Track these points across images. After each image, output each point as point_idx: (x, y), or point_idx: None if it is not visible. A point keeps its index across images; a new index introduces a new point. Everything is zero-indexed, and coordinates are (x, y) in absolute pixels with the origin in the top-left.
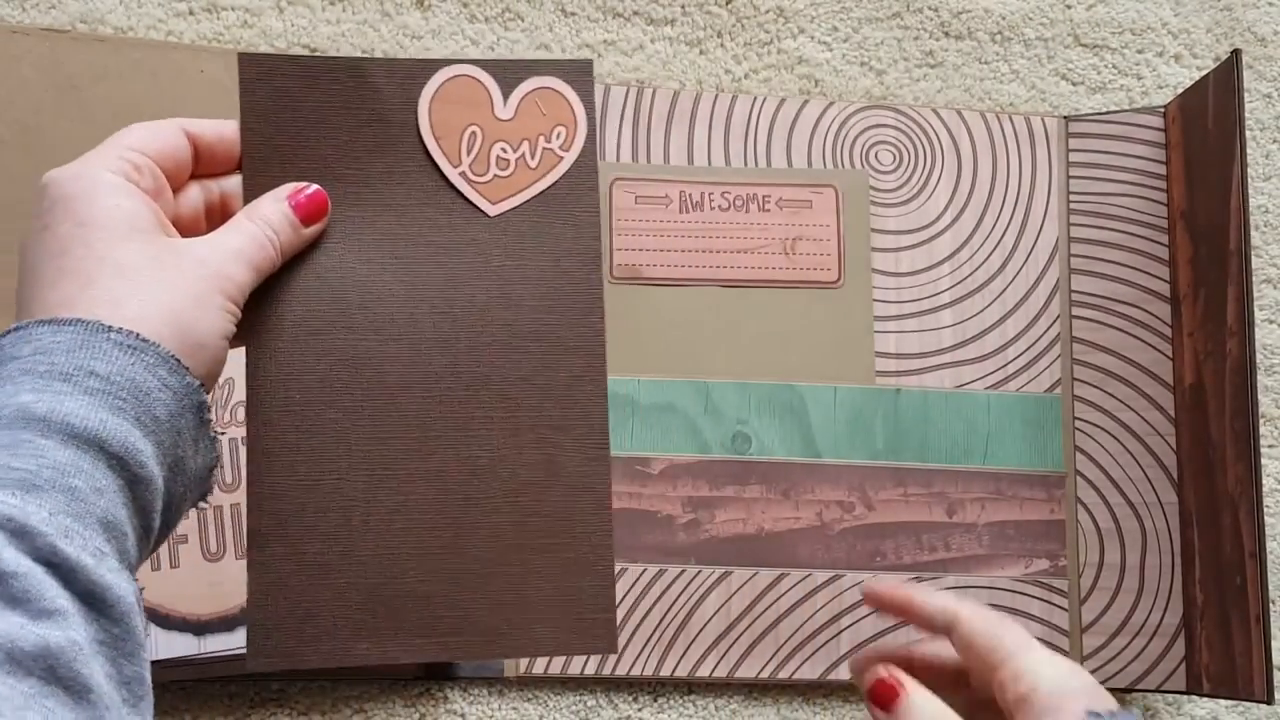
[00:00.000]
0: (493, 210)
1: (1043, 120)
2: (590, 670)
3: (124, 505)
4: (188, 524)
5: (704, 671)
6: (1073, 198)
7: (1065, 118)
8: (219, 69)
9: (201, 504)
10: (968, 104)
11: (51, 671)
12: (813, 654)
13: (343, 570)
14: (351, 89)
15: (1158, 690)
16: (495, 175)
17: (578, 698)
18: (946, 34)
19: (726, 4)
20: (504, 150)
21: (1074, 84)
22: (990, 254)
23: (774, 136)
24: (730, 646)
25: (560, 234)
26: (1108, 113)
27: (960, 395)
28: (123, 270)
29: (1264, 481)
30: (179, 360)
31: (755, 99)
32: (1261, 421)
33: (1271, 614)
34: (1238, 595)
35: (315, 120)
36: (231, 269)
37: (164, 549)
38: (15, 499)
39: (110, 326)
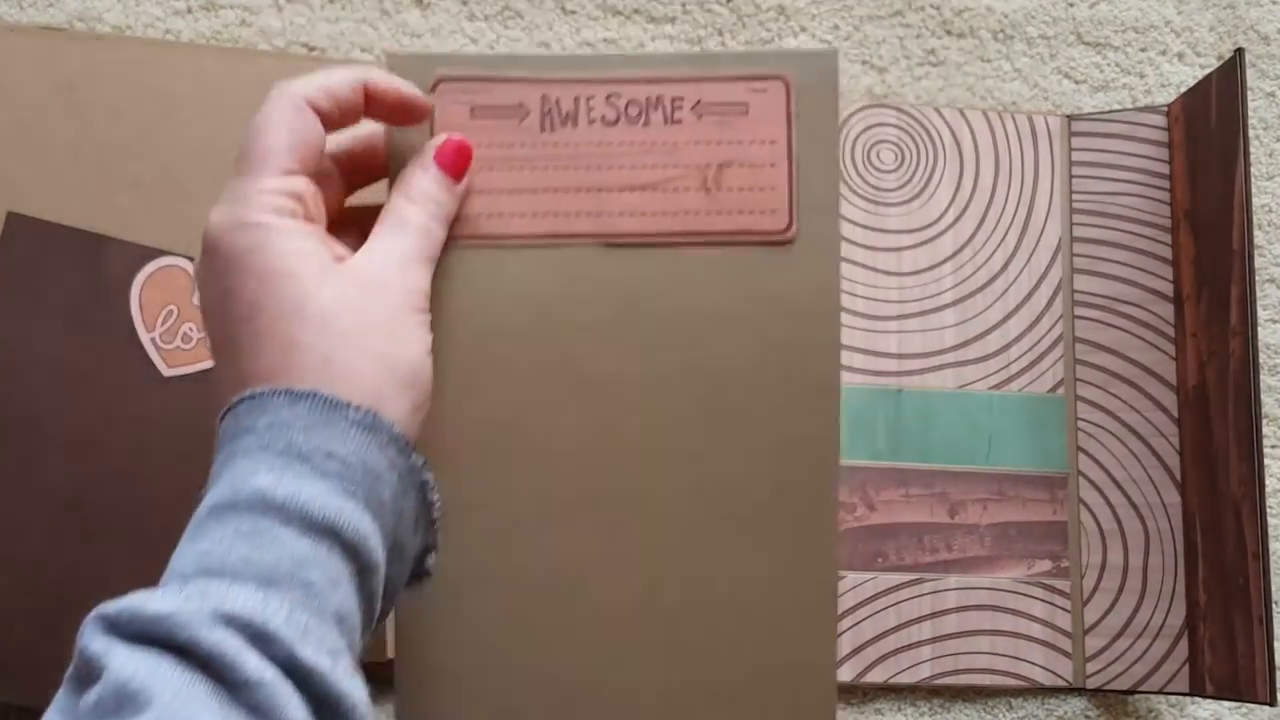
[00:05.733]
0: (166, 372)
1: (1045, 119)
2: None
3: (354, 594)
4: None
5: None
6: (1075, 197)
7: (1068, 116)
8: (217, 68)
9: (417, 588)
10: (970, 103)
11: None
12: None
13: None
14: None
15: (1161, 692)
16: (179, 347)
17: None
18: (948, 32)
19: (727, 2)
20: (190, 330)
21: (1076, 82)
22: (993, 253)
23: None
24: None
25: None
26: (1110, 111)
27: (962, 395)
28: (318, 323)
29: (1267, 482)
30: (407, 440)
31: None
32: (1265, 422)
33: (1275, 615)
34: (1241, 596)
35: None
36: (413, 279)
37: None
38: (256, 597)
39: (348, 403)
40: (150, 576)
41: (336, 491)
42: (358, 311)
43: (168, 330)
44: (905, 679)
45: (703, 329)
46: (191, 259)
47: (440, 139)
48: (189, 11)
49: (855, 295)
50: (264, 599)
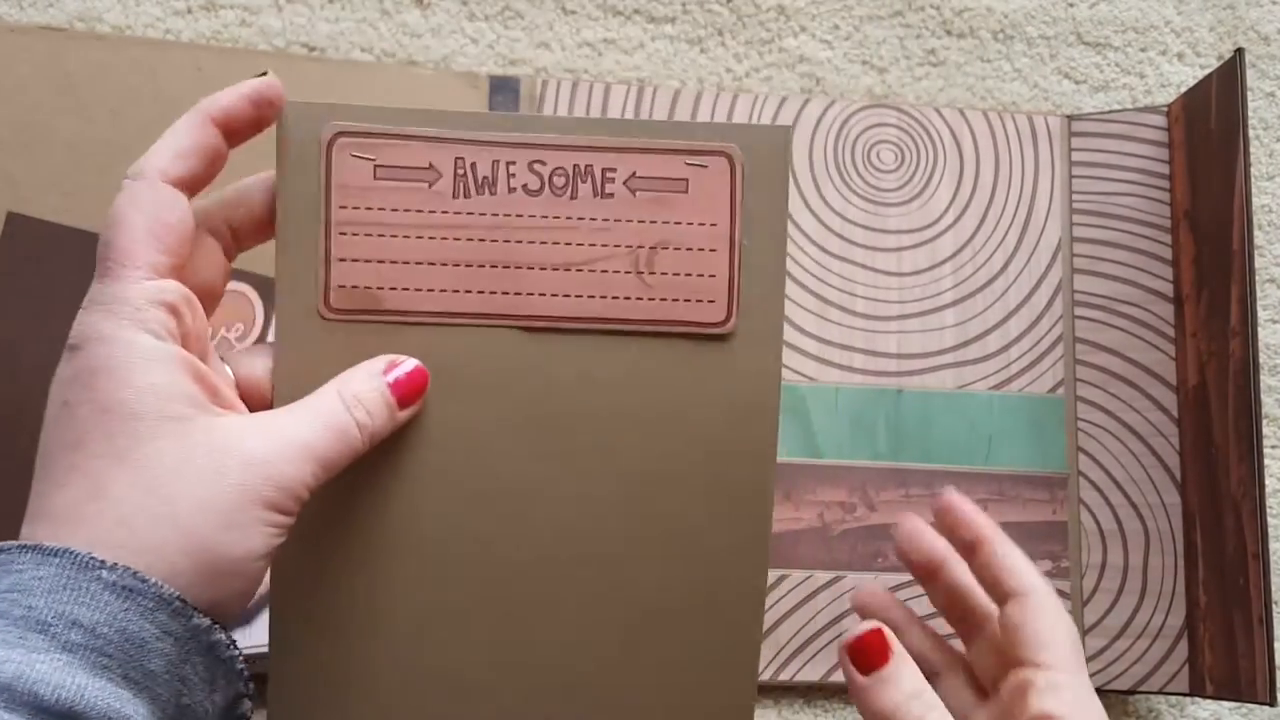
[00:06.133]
0: None
1: (1045, 119)
2: None
3: None
4: None
5: None
6: (1075, 197)
7: (1068, 117)
8: (216, 67)
9: None
10: (970, 103)
11: None
12: (814, 656)
13: None
14: None
15: (1161, 692)
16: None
17: None
18: (948, 32)
19: (727, 2)
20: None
21: (1077, 83)
22: (992, 254)
23: None
24: None
25: None
26: (1110, 112)
27: (962, 396)
28: (142, 476)
29: (1267, 482)
30: (184, 601)
31: (756, 98)
32: (1265, 422)
33: (1275, 615)
34: (1241, 597)
35: None
36: (288, 472)
37: None
38: None
39: (102, 562)
40: None
41: (81, 667)
42: (193, 483)
43: None
44: None
45: (627, 426)
46: None
47: (404, 361)
48: (189, 11)
49: (855, 295)
50: None
